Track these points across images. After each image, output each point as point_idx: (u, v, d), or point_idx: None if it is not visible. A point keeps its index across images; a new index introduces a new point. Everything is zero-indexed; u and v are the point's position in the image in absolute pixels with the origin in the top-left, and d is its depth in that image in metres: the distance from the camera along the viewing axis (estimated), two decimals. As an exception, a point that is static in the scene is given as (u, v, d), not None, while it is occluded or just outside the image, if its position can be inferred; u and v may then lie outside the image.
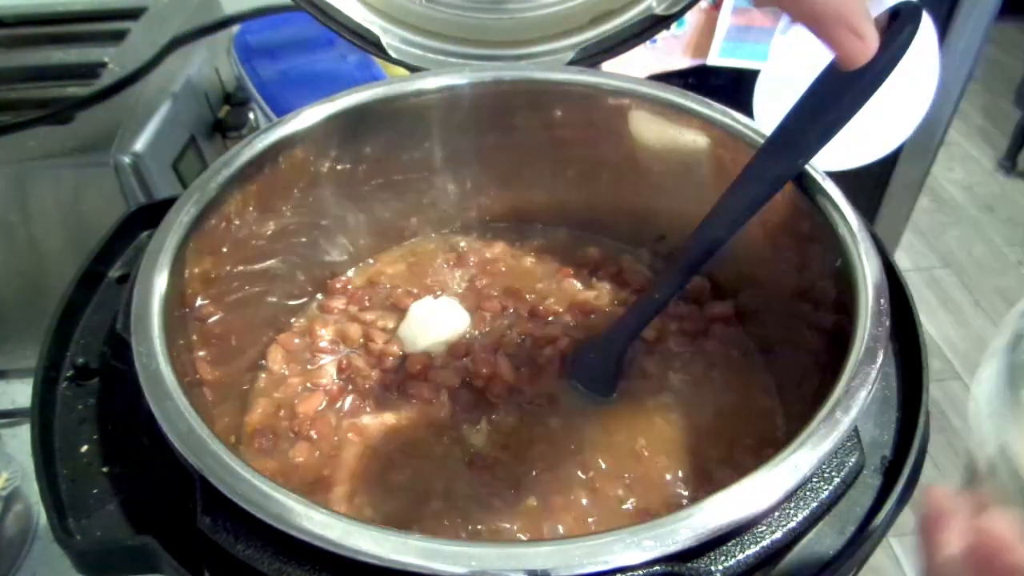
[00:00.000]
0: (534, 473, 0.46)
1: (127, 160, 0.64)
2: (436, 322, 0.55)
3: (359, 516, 0.42)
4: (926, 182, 1.22)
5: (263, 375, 0.53)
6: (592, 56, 0.57)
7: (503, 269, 0.61)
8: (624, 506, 0.45)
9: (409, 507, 0.45)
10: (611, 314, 0.56)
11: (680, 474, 0.46)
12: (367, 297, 0.58)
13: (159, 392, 0.35)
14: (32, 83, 0.75)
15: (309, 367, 0.53)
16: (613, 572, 0.29)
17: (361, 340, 0.55)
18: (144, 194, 0.65)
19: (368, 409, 0.51)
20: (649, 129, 0.55)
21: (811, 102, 0.41)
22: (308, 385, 0.52)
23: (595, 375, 0.51)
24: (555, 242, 0.63)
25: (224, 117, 0.82)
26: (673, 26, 0.79)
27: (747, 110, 1.00)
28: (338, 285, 0.59)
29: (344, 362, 0.53)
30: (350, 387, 0.52)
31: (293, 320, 0.57)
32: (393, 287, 0.59)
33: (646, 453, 0.48)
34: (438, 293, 0.59)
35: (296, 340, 0.55)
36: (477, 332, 0.55)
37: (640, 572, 0.29)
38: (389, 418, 0.50)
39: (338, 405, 0.51)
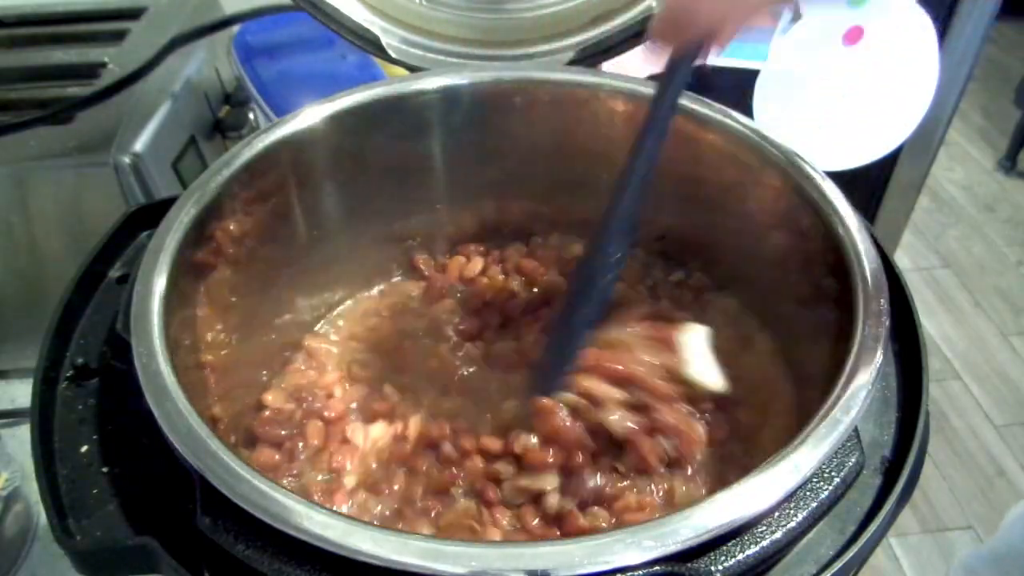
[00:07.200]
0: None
1: (127, 160, 0.64)
2: None
3: (359, 517, 0.42)
4: (926, 182, 1.22)
5: (263, 374, 0.53)
6: (592, 56, 0.57)
7: (503, 270, 0.61)
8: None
9: (409, 507, 0.45)
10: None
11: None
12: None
13: (159, 392, 0.35)
14: (32, 83, 0.75)
15: (309, 367, 0.53)
16: (613, 572, 0.29)
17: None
18: (144, 194, 0.65)
19: (370, 410, 0.50)
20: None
21: None
22: (308, 385, 0.52)
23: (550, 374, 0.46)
24: (555, 242, 0.63)
25: (224, 117, 0.82)
26: (673, 26, 0.78)
27: (747, 110, 1.00)
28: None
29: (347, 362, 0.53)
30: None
31: (292, 319, 0.57)
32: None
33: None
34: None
35: (297, 339, 0.55)
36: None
37: (640, 572, 0.29)
38: (392, 420, 0.50)
39: (339, 404, 0.51)
